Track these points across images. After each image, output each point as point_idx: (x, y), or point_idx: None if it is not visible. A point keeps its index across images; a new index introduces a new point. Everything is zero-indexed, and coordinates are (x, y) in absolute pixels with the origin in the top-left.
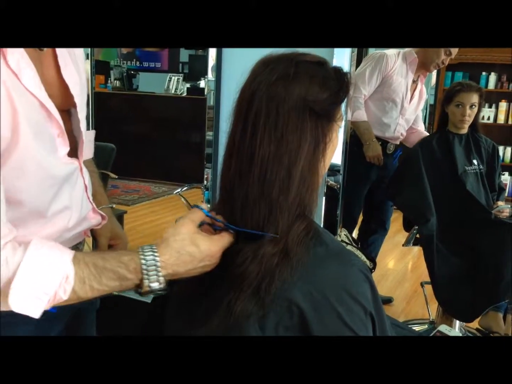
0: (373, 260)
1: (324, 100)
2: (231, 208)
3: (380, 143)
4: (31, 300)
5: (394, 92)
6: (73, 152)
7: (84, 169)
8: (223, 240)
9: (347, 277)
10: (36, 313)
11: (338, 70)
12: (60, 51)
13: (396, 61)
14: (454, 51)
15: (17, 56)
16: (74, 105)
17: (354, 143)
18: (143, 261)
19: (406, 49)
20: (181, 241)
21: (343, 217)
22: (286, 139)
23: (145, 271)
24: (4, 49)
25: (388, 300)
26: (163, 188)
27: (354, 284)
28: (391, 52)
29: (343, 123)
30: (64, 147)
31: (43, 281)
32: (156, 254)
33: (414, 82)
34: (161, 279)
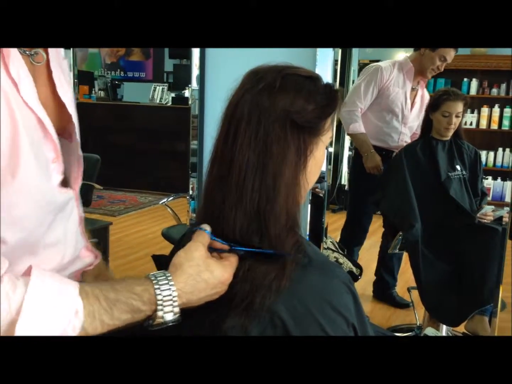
0: (359, 266)
1: (308, 113)
2: (211, 214)
3: (384, 152)
4: None
5: (392, 103)
6: (65, 182)
7: (80, 200)
8: (233, 265)
9: (330, 289)
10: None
11: (329, 86)
12: (54, 67)
13: (391, 72)
14: (450, 56)
15: (17, 65)
16: (69, 128)
17: (358, 155)
18: (157, 291)
19: (402, 59)
20: (197, 267)
21: (353, 228)
22: (269, 148)
23: (160, 302)
24: (6, 56)
25: (406, 305)
26: (149, 198)
27: (337, 296)
28: (386, 64)
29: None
30: (58, 174)
31: (50, 318)
32: (171, 282)
33: (414, 89)
34: (176, 309)
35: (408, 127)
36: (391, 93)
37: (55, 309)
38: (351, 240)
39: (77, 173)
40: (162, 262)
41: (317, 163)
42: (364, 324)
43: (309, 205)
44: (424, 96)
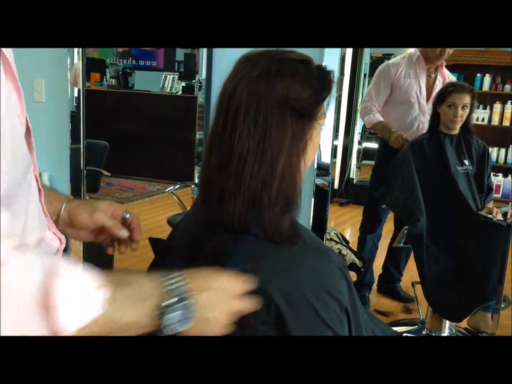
0: (362, 259)
1: (306, 99)
2: (209, 202)
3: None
4: (77, 311)
5: (406, 93)
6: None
7: (37, 171)
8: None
9: (324, 274)
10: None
11: (321, 68)
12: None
13: (400, 65)
14: None
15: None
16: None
17: (381, 145)
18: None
19: (411, 50)
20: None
21: (367, 214)
22: (268, 135)
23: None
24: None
25: (410, 300)
26: (157, 186)
27: (331, 280)
28: (395, 59)
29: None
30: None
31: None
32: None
33: (431, 76)
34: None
35: (427, 115)
36: (403, 85)
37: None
38: (364, 226)
39: (30, 143)
40: (159, 246)
41: (315, 146)
42: (356, 309)
43: (313, 198)
44: (446, 80)
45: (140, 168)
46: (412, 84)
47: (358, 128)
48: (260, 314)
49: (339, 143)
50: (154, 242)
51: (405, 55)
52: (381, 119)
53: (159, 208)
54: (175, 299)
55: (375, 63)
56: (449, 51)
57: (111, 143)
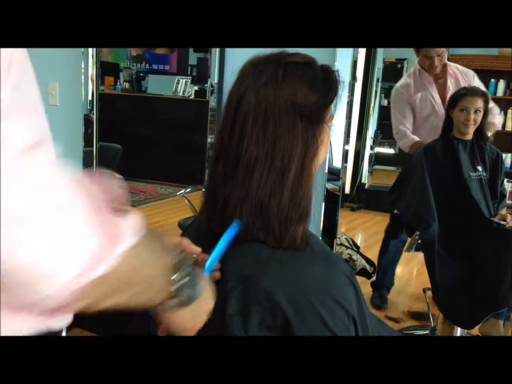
0: (373, 264)
1: (314, 103)
2: (211, 209)
3: None
4: None
5: (424, 106)
6: None
7: None
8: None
9: (331, 281)
10: None
11: (326, 69)
12: None
13: (408, 84)
14: (434, 53)
15: None
16: None
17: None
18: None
19: (412, 67)
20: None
21: (391, 220)
22: (278, 144)
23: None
24: None
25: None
26: (169, 189)
27: (338, 288)
28: (401, 81)
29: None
30: None
31: None
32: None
33: (440, 83)
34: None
35: None
36: (418, 100)
37: None
38: (387, 231)
39: None
40: None
41: (326, 149)
42: (364, 317)
43: (323, 202)
44: (458, 79)
45: (152, 171)
46: (424, 96)
47: (370, 133)
48: (266, 319)
49: (351, 147)
50: None
51: (409, 73)
52: (416, 138)
53: (170, 211)
54: (186, 269)
55: (388, 67)
56: (441, 59)
57: (124, 146)
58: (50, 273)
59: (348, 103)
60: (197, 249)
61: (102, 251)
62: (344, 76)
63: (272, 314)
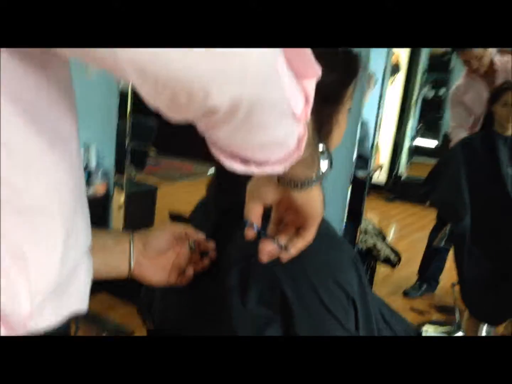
0: (397, 254)
1: (331, 83)
2: (225, 191)
3: None
4: None
5: (477, 104)
6: None
7: None
8: None
9: (334, 263)
10: None
11: (347, 52)
12: None
13: (462, 83)
14: (472, 57)
15: None
16: None
17: None
18: None
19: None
20: None
21: None
22: None
23: None
24: None
25: None
26: (203, 167)
27: (340, 270)
28: (458, 81)
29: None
30: None
31: None
32: None
33: (488, 78)
34: None
35: None
36: (469, 99)
37: None
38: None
39: None
40: (179, 221)
41: (341, 130)
42: (366, 300)
43: (349, 189)
44: (505, 66)
45: (188, 148)
46: (476, 93)
47: (410, 124)
48: (265, 295)
49: (389, 139)
50: (175, 217)
51: (463, 73)
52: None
53: (202, 189)
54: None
55: (434, 59)
56: (480, 61)
57: (160, 121)
58: None
59: (382, 95)
60: (201, 236)
61: None
62: (378, 66)
63: (271, 291)
